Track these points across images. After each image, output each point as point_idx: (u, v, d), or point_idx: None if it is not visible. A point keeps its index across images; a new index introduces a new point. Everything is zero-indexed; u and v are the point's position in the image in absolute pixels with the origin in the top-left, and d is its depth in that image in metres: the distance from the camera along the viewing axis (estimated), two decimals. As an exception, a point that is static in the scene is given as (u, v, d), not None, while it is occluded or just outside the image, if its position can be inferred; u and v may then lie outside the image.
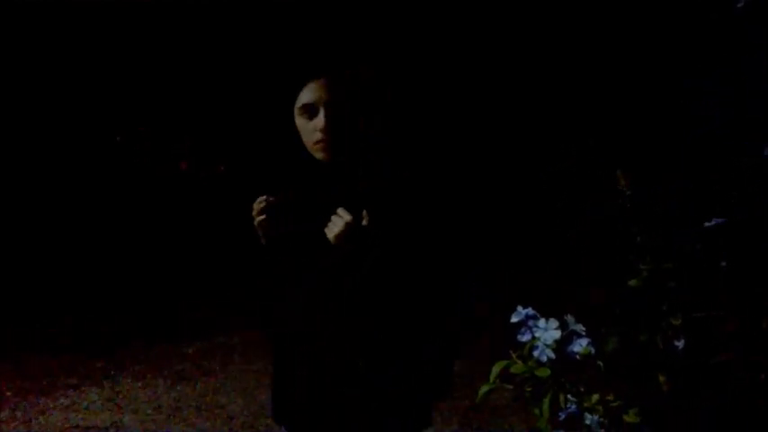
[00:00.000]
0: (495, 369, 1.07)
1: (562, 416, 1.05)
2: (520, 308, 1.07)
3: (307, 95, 1.38)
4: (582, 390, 1.06)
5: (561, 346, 1.04)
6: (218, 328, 4.70)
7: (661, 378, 1.19)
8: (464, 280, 1.46)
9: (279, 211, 1.40)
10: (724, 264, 1.27)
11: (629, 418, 1.06)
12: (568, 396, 1.05)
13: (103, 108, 6.80)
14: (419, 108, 6.11)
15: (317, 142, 1.37)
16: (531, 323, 1.06)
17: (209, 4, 6.12)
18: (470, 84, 6.38)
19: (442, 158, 5.76)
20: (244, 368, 4.00)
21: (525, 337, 1.06)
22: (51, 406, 3.58)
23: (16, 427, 3.35)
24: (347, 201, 1.36)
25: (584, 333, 1.06)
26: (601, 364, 1.07)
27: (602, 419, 1.05)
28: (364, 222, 1.34)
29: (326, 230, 1.35)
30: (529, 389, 1.05)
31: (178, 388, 3.78)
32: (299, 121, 1.40)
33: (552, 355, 1.03)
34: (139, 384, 3.85)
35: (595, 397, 1.06)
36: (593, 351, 1.04)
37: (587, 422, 1.05)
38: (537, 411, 1.04)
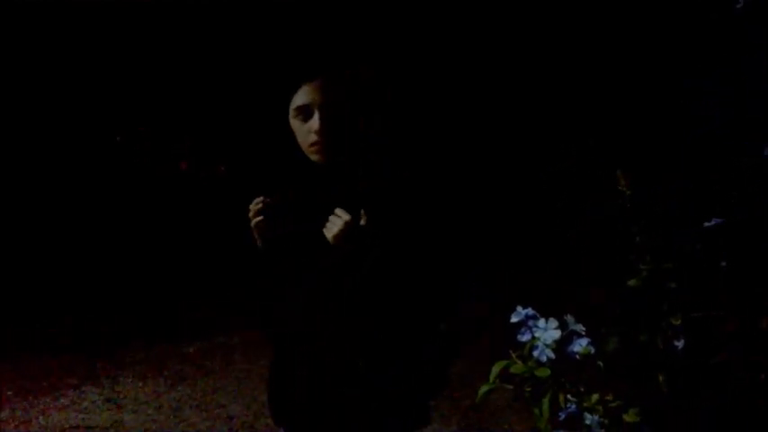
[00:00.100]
0: (495, 369, 1.07)
1: (562, 416, 1.05)
2: (520, 308, 1.07)
3: (301, 97, 1.37)
4: (582, 390, 1.06)
5: (561, 346, 1.05)
6: (218, 328, 4.69)
7: (661, 378, 1.19)
8: (464, 280, 1.46)
9: (276, 212, 1.40)
10: (724, 264, 1.27)
11: (629, 417, 1.06)
12: (568, 396, 1.05)
13: (103, 108, 6.80)
14: (419, 108, 6.11)
15: (312, 144, 1.37)
16: (530, 323, 1.06)
17: (208, 5, 6.12)
18: (470, 84, 6.38)
19: (442, 158, 5.76)
20: (244, 368, 4.00)
21: (525, 337, 1.06)
22: (51, 406, 3.58)
23: (16, 427, 3.36)
24: (346, 201, 1.36)
25: (584, 333, 1.06)
26: (601, 364, 1.07)
27: (601, 419, 1.05)
28: (363, 222, 1.34)
29: (325, 230, 1.35)
30: (529, 389, 1.05)
31: (178, 388, 3.78)
32: (294, 124, 1.39)
33: (552, 355, 1.03)
34: (140, 384, 3.85)
35: (595, 397, 1.06)
36: (593, 351, 1.05)
37: (587, 422, 1.05)
38: (537, 411, 1.04)
